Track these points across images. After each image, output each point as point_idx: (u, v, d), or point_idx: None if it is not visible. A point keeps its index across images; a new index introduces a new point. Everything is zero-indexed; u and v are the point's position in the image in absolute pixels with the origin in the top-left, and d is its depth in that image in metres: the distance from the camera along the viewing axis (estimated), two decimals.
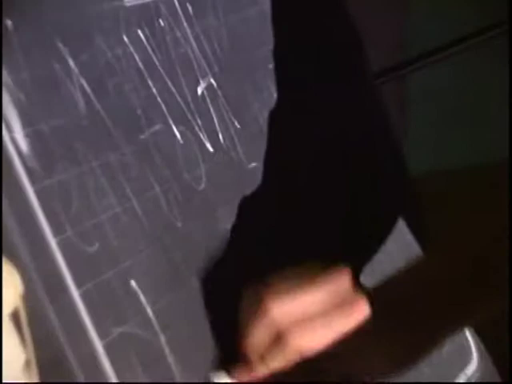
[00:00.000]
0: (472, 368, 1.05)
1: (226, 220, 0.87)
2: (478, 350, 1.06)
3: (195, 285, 0.82)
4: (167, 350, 0.77)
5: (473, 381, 1.04)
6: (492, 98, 1.63)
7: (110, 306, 0.74)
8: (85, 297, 0.73)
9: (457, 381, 1.02)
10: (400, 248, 1.02)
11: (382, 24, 1.39)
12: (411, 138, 1.54)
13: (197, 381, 0.79)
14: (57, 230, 0.72)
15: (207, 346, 0.82)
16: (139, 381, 0.75)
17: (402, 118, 1.51)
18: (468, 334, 1.06)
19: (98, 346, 0.73)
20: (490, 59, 1.48)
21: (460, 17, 1.48)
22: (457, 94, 1.65)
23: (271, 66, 0.97)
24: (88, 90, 0.79)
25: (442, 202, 0.98)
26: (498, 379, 1.06)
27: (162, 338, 0.77)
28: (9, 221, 0.70)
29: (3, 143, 0.72)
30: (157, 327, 0.77)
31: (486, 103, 1.63)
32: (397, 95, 1.46)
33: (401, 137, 1.44)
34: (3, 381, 0.68)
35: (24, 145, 0.73)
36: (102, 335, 0.73)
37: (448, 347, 1.02)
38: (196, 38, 0.90)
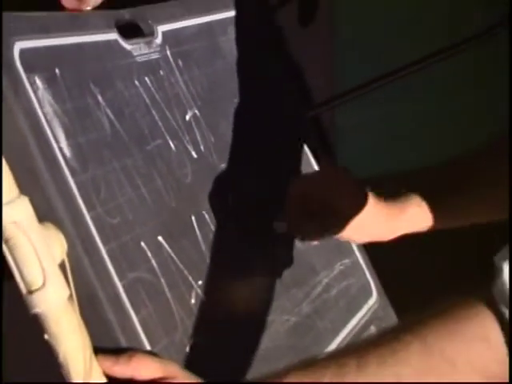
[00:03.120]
0: (372, 300, 1.02)
1: (205, 203, 0.85)
2: (376, 287, 1.04)
3: (184, 244, 0.80)
4: (166, 289, 0.75)
5: (373, 310, 1.01)
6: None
7: (126, 258, 0.73)
8: (109, 252, 0.71)
9: (361, 309, 0.99)
10: None
11: (314, 67, 1.35)
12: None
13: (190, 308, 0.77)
14: (90, 208, 0.71)
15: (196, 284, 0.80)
16: (149, 311, 0.72)
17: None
18: (369, 276, 1.03)
19: (119, 285, 0.71)
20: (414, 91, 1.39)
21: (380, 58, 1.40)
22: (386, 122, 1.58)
23: (235, 100, 0.95)
24: (111, 116, 0.77)
25: None
26: (391, 310, 1.03)
27: (163, 281, 0.75)
28: (57, 202, 0.69)
29: (54, 151, 0.70)
30: (159, 273, 0.75)
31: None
32: (328, 126, 1.42)
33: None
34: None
35: (67, 151, 0.71)
36: (121, 278, 0.71)
37: (354, 285, 1.01)
38: (185, 82, 0.88)
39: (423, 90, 1.52)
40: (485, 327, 0.63)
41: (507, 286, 0.62)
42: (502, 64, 1.33)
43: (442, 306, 0.65)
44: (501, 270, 0.63)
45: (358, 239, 0.94)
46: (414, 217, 0.92)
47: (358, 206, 0.89)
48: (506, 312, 0.61)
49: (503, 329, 0.62)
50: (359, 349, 0.67)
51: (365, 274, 1.02)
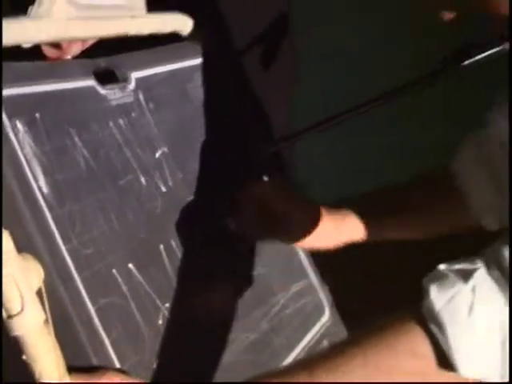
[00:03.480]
0: (325, 318, 1.01)
1: (173, 232, 0.84)
2: (329, 305, 1.03)
3: (153, 272, 0.79)
4: (136, 312, 0.75)
5: (325, 327, 0.99)
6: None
7: (99, 284, 0.72)
8: (83, 280, 0.71)
9: (315, 326, 0.98)
10: None
11: (277, 104, 1.34)
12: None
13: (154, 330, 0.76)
14: (66, 240, 0.71)
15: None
16: (119, 332, 0.71)
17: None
18: (322, 296, 1.02)
19: (92, 310, 0.70)
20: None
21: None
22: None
23: (202, 139, 0.94)
24: (87, 155, 0.77)
25: None
26: (342, 326, 1.02)
27: (133, 304, 0.74)
28: (35, 235, 0.68)
29: (32, 188, 0.70)
30: (129, 297, 0.74)
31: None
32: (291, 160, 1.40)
33: None
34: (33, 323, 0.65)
35: (45, 189, 0.71)
36: (94, 303, 0.71)
37: (308, 304, 0.99)
38: (155, 123, 0.87)
39: (388, 124, 1.50)
40: (414, 342, 0.65)
41: (434, 305, 0.64)
42: (468, 98, 1.31)
43: (384, 323, 0.67)
44: (428, 291, 0.65)
45: (306, 245, 0.95)
46: (353, 226, 0.94)
47: (309, 215, 0.91)
48: (434, 328, 0.63)
49: (432, 343, 0.64)
50: (311, 362, 0.68)
51: (318, 294, 1.02)
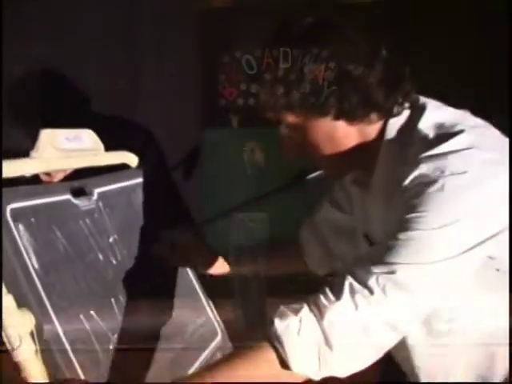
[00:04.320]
0: (218, 338, 1.01)
1: (120, 290, 0.85)
2: (221, 330, 1.02)
3: (107, 316, 0.80)
4: (95, 342, 0.76)
5: (218, 344, 0.97)
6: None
7: (70, 325, 0.74)
8: (60, 323, 0.73)
9: (212, 343, 0.96)
10: None
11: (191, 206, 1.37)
12: None
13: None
14: (49, 297, 0.73)
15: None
16: (84, 356, 0.73)
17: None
18: (216, 325, 1.01)
19: (65, 342, 0.72)
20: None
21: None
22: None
23: (141, 230, 0.95)
24: (64, 243, 0.80)
25: None
26: (229, 342, 1.01)
27: (93, 337, 0.76)
28: (29, 295, 0.71)
29: (27, 265, 0.72)
30: (91, 333, 0.76)
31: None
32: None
33: None
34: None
35: (36, 265, 0.74)
36: (67, 338, 0.72)
37: (208, 331, 0.99)
38: (110, 221, 0.89)
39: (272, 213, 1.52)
40: (267, 354, 0.70)
41: (276, 330, 0.70)
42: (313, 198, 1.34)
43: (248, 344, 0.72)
44: (273, 322, 0.71)
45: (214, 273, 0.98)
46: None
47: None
48: (277, 345, 0.69)
49: (277, 354, 0.70)
50: (208, 368, 0.72)
51: (214, 323, 1.03)
